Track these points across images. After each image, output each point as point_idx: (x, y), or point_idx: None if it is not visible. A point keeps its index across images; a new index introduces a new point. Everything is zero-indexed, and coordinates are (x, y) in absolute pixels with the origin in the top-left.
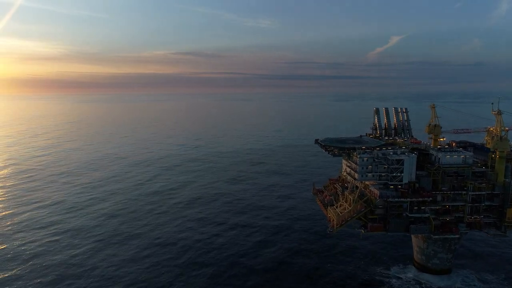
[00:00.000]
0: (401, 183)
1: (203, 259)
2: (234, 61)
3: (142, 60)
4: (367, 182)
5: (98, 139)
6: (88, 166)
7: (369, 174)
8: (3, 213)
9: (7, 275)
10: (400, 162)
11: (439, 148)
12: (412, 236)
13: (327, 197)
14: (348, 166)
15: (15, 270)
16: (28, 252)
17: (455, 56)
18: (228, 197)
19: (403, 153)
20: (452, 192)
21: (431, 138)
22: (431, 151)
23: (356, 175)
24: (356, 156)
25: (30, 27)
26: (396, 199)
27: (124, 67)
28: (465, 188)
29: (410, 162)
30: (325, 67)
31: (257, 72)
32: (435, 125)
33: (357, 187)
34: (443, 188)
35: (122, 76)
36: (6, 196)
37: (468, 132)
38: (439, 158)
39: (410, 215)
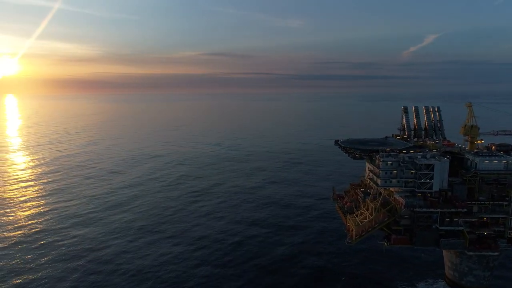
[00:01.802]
0: (430, 191)
1: (236, 262)
2: (264, 61)
3: (173, 61)
4: (391, 189)
5: (133, 137)
6: (123, 164)
7: (394, 180)
8: (40, 209)
9: (40, 267)
10: (429, 167)
11: (476, 152)
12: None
13: (348, 203)
14: (371, 171)
15: (47, 265)
16: (59, 247)
17: (495, 55)
18: (263, 198)
19: (433, 156)
20: (491, 202)
21: (467, 140)
22: (467, 155)
23: (379, 181)
24: (379, 160)
25: (69, 30)
26: (424, 209)
27: (155, 68)
28: (507, 198)
29: (441, 167)
30: (357, 67)
31: (288, 73)
32: (471, 126)
33: (380, 194)
34: (480, 198)
35: (154, 76)
36: (43, 193)
37: (511, 134)
38: (476, 163)
39: (440, 227)
